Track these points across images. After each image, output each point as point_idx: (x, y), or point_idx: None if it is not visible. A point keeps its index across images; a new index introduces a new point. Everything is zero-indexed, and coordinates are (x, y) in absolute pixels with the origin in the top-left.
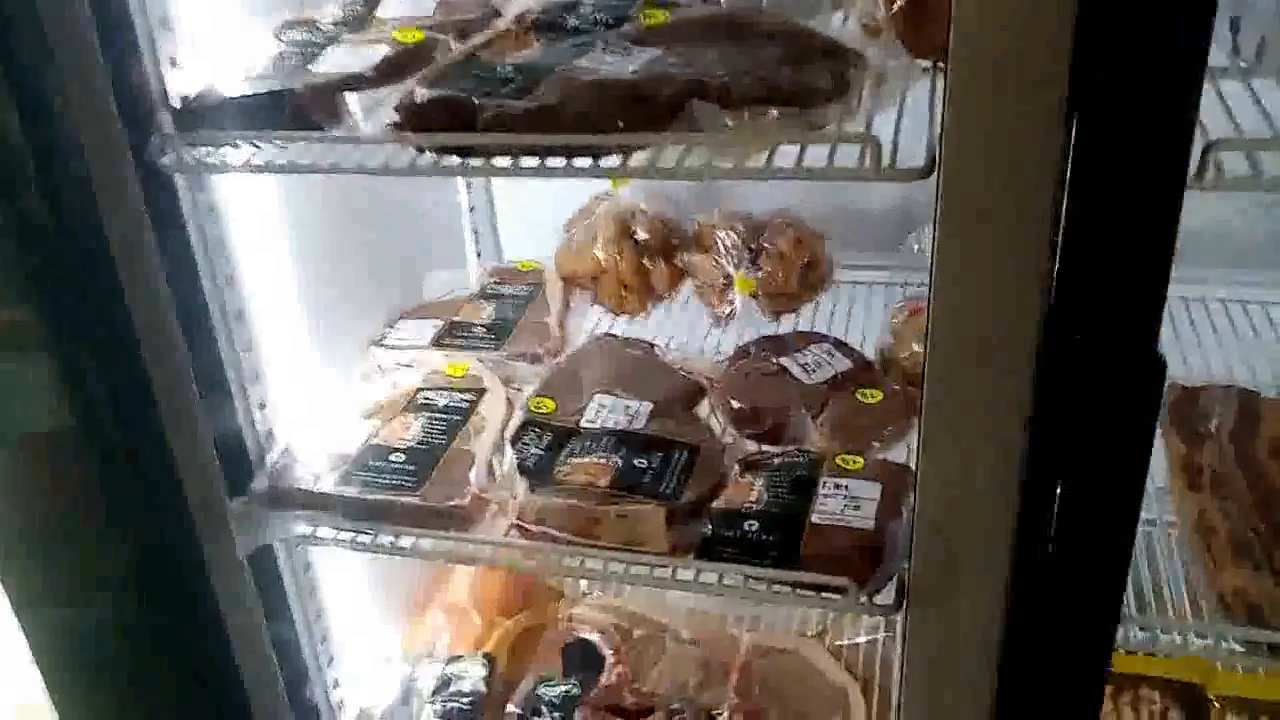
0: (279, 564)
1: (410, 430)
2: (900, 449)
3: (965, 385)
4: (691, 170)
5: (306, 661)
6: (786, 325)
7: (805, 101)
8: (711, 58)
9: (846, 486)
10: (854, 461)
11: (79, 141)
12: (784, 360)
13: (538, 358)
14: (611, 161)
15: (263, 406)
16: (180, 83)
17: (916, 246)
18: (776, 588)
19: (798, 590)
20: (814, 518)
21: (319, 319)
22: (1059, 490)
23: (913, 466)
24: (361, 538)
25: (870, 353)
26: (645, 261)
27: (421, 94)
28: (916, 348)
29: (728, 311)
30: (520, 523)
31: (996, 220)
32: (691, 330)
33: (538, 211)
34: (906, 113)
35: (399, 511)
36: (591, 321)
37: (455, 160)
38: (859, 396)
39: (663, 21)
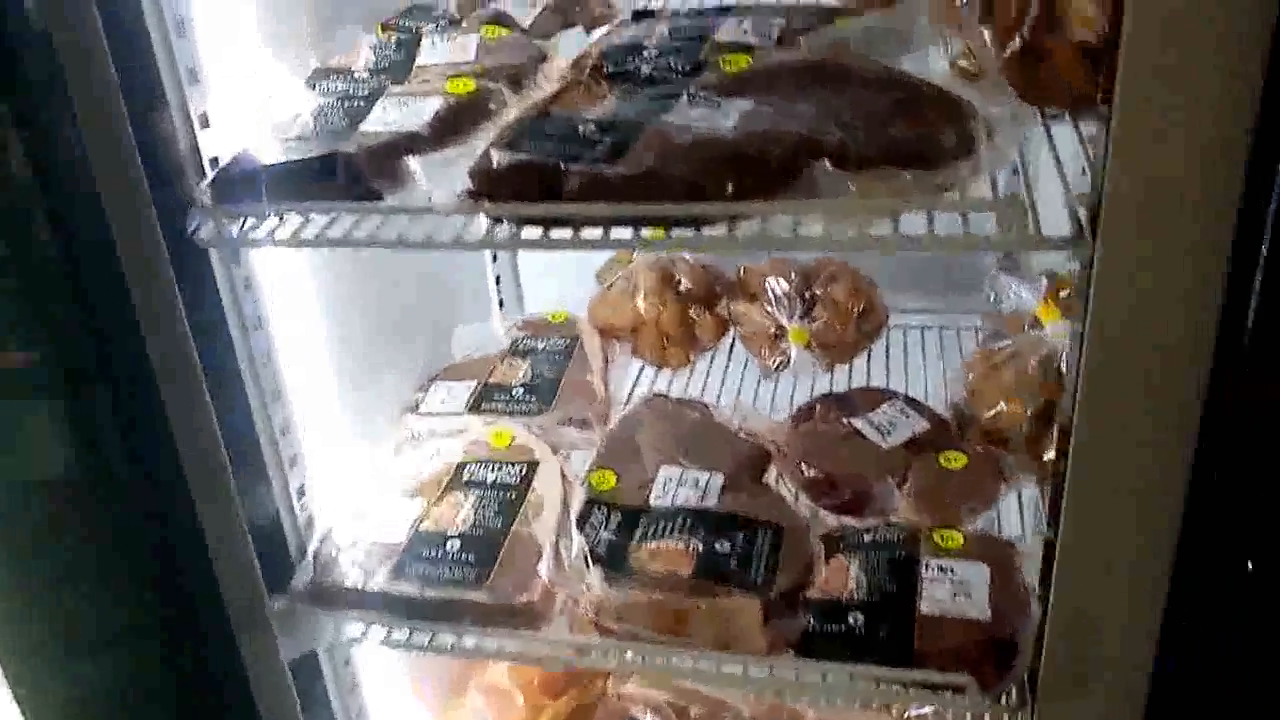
0: (320, 662)
1: (462, 512)
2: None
3: (1116, 461)
4: (810, 240)
5: None
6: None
7: (932, 160)
8: (812, 110)
9: (952, 570)
10: (952, 538)
11: (105, 214)
12: (855, 421)
13: (586, 422)
14: (717, 230)
15: (301, 493)
16: (214, 143)
17: (992, 295)
18: (885, 685)
19: (911, 689)
20: (923, 607)
21: (349, 386)
22: (1227, 571)
23: (1005, 538)
24: (418, 636)
25: (938, 405)
26: (689, 312)
27: (500, 158)
28: (1004, 406)
29: (779, 363)
30: (599, 622)
31: (1162, 284)
32: (735, 377)
33: (562, 259)
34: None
35: (463, 610)
36: (632, 374)
37: (537, 233)
38: (942, 461)
39: (745, 67)
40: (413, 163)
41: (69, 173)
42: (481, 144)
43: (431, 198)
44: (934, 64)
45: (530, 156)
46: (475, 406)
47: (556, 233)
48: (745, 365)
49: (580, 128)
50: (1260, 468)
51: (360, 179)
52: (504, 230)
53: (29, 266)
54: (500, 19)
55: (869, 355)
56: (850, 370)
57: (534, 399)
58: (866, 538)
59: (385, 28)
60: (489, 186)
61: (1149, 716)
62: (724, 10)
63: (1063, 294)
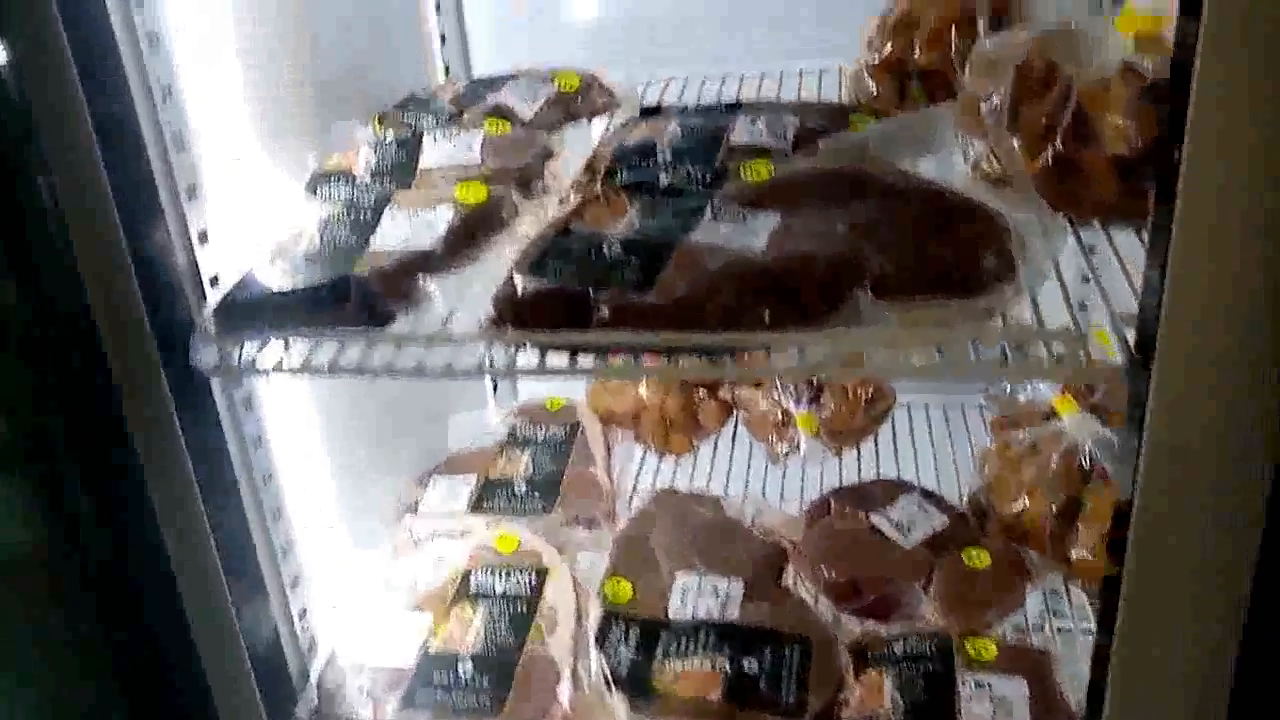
0: None
1: (472, 629)
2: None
3: (1176, 572)
4: (849, 370)
5: None
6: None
7: (975, 286)
8: (844, 228)
9: (990, 686)
10: (986, 649)
11: (100, 338)
12: (874, 518)
13: (594, 521)
14: (754, 359)
15: (303, 615)
16: (213, 261)
17: (1006, 386)
18: None
19: None
20: None
21: (346, 486)
22: None
23: (1038, 646)
24: None
25: (950, 493)
26: (693, 397)
27: (525, 285)
28: (1026, 502)
29: (787, 450)
30: None
31: (1221, 404)
32: (741, 463)
33: None
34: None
35: None
36: (635, 460)
37: (563, 360)
38: (966, 561)
39: (767, 177)
40: (430, 284)
41: (63, 292)
42: (496, 258)
43: (453, 326)
44: (955, 164)
45: (557, 283)
46: (477, 505)
47: (585, 360)
48: (750, 450)
49: (605, 247)
50: None
51: (374, 303)
52: (529, 357)
53: (22, 404)
54: (501, 112)
55: (875, 436)
56: (858, 452)
57: (538, 496)
58: (897, 649)
59: (382, 120)
60: (514, 313)
61: None
62: (733, 108)
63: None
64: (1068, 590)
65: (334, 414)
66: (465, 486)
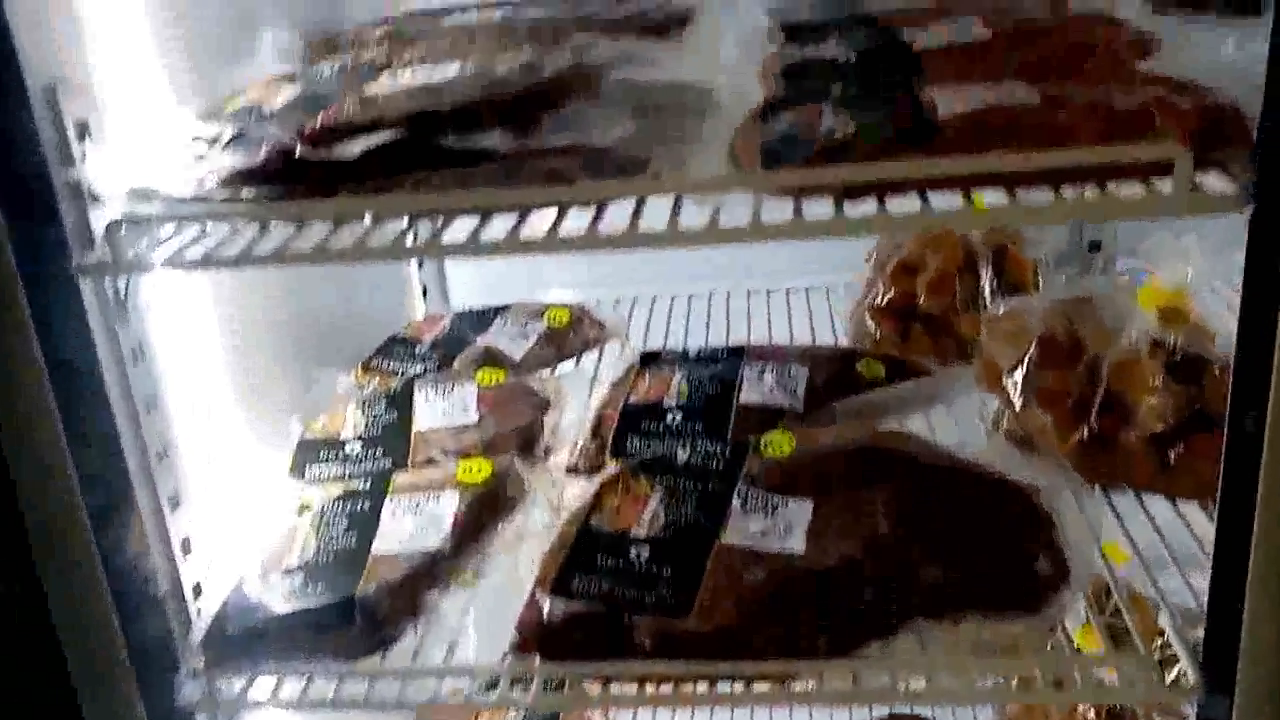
0: None
1: None
2: None
3: None
4: (911, 694)
5: None
6: None
7: (1034, 600)
8: (884, 522)
9: None
10: None
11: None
12: None
13: None
14: (805, 684)
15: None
16: (196, 571)
17: None
18: None
19: None
20: None
21: None
22: None
23: None
24: None
25: None
26: None
27: (551, 608)
28: None
29: None
30: None
31: None
32: None
33: None
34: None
35: None
36: None
37: (596, 688)
38: None
39: (790, 451)
40: (442, 600)
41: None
42: (502, 549)
43: (471, 654)
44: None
45: (587, 605)
46: None
47: (620, 689)
48: None
49: (634, 554)
50: None
51: (381, 627)
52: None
53: None
54: (492, 356)
55: None
56: None
57: None
58: None
59: (367, 369)
60: (540, 640)
61: None
62: (736, 354)
63: None
64: None
65: None
66: None
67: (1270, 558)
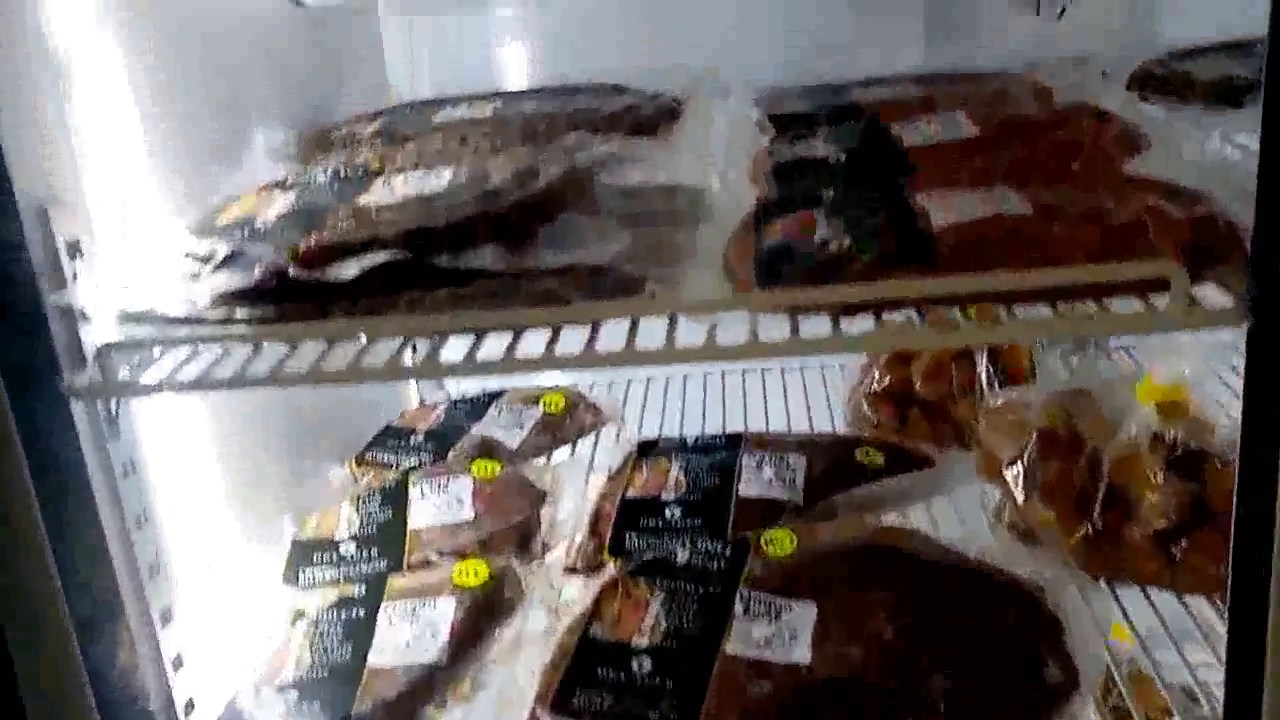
0: None
1: None
2: None
3: None
4: None
5: None
6: None
7: (1047, 706)
8: (889, 629)
9: None
10: None
11: None
12: None
13: None
14: None
15: None
16: (189, 686)
17: None
18: None
19: None
20: None
21: None
22: None
23: None
24: None
25: None
26: None
27: None
28: None
29: None
30: None
31: None
32: None
33: None
34: None
35: None
36: None
37: None
38: None
39: (792, 550)
40: (440, 719)
41: None
42: (499, 657)
43: None
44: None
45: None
46: None
47: None
48: None
49: (636, 666)
50: None
51: None
52: None
53: None
54: (487, 447)
55: None
56: None
57: None
58: None
59: (360, 463)
60: None
61: None
62: (733, 442)
63: None
64: None
65: None
66: None
67: None
